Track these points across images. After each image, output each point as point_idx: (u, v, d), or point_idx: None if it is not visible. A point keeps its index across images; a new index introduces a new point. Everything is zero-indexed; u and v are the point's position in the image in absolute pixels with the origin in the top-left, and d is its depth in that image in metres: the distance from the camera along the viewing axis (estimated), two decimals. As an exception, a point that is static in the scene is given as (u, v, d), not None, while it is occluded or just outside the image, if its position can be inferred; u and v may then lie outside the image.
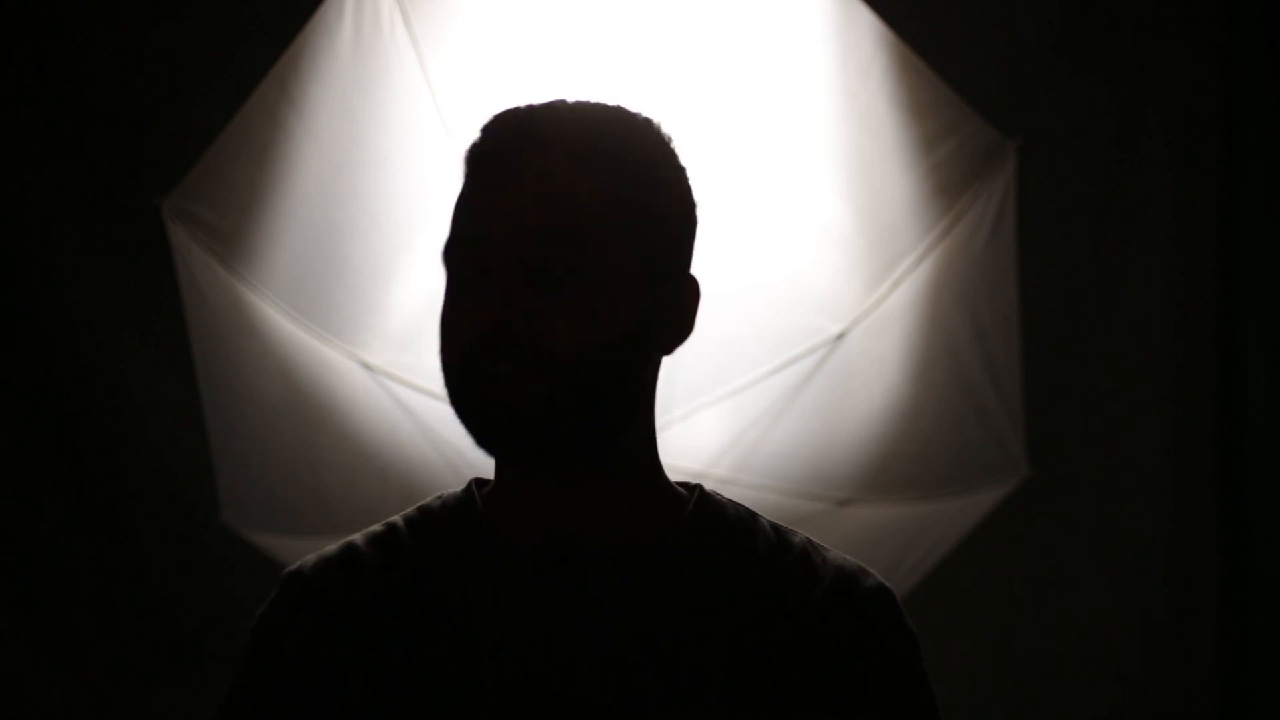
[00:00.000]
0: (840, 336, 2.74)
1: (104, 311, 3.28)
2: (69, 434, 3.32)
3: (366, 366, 2.74)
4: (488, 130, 1.32)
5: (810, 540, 1.36)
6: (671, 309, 1.32)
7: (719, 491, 1.39)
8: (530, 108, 1.32)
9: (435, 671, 1.25)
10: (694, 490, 1.37)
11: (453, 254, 1.29)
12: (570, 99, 1.34)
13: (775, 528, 1.36)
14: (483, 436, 1.27)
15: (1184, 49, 3.35)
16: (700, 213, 1.36)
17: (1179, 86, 3.35)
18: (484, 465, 1.38)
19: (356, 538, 1.34)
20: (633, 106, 1.34)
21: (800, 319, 2.73)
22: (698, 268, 1.36)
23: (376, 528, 1.35)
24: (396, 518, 1.36)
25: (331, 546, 1.34)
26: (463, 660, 1.25)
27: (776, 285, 2.71)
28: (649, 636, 1.26)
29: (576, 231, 1.26)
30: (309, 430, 2.81)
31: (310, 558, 1.34)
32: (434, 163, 2.63)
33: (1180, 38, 3.35)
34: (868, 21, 2.72)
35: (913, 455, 2.85)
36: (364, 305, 2.74)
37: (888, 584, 1.35)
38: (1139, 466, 3.41)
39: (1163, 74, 3.35)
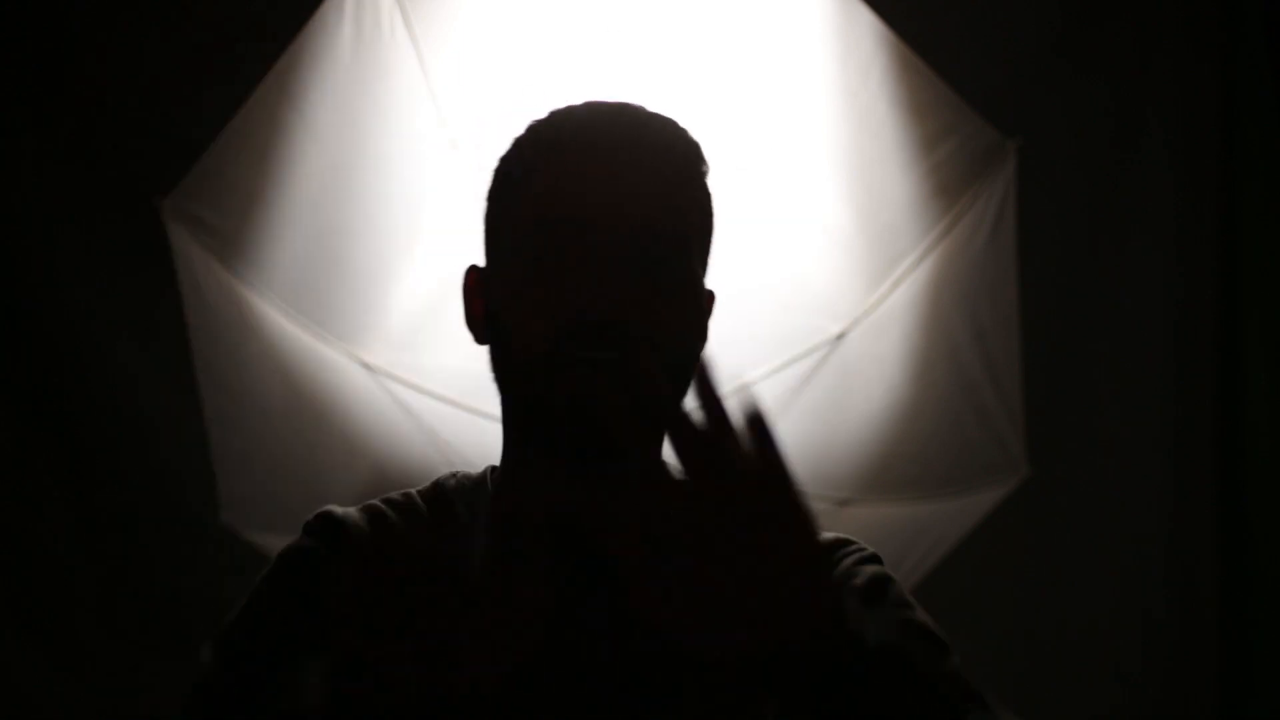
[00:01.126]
0: (840, 336, 2.74)
1: (104, 311, 3.28)
2: (69, 434, 3.32)
3: (366, 366, 2.74)
4: (568, 120, 1.32)
5: None
6: (706, 317, 1.35)
7: None
8: (605, 104, 1.33)
9: (438, 638, 1.25)
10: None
11: (539, 235, 1.27)
12: (627, 101, 1.34)
13: None
14: (577, 421, 1.24)
15: (1184, 49, 3.34)
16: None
17: (1179, 86, 3.35)
18: (482, 465, 1.38)
19: (377, 501, 1.35)
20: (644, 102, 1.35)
21: (800, 319, 2.73)
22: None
23: (395, 495, 1.36)
24: (413, 490, 1.37)
25: (352, 507, 1.35)
26: (456, 632, 1.25)
27: (777, 286, 2.71)
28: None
29: (679, 234, 1.27)
30: (309, 430, 2.81)
31: (334, 508, 1.33)
32: (434, 163, 2.63)
33: (1180, 38, 3.34)
34: (868, 21, 2.72)
35: (913, 455, 2.85)
36: (364, 305, 2.74)
37: (870, 548, 1.37)
38: (1139, 466, 3.41)
39: (1163, 74, 3.35)
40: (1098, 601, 3.40)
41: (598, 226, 1.25)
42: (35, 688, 3.24)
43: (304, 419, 2.81)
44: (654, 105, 1.36)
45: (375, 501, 1.35)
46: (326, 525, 1.32)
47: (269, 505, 2.85)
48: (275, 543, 2.86)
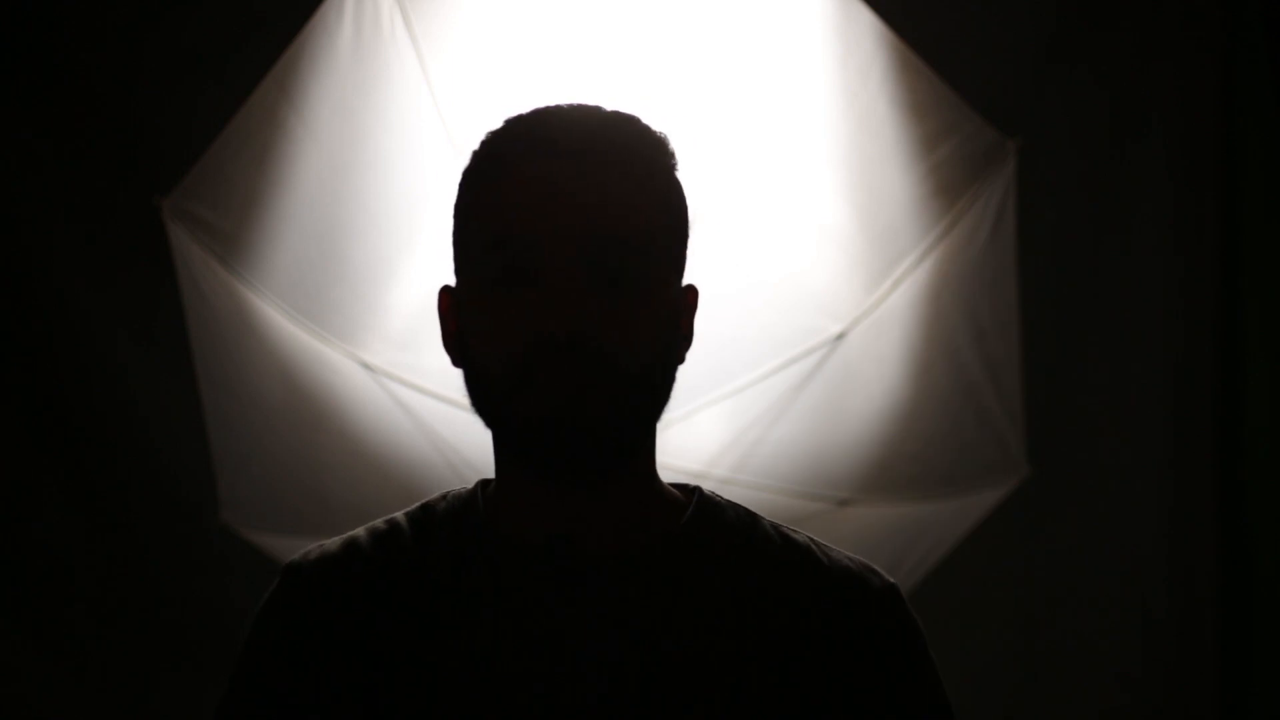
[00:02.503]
0: (840, 336, 2.74)
1: (103, 312, 3.28)
2: (69, 434, 3.32)
3: (366, 366, 2.74)
4: (523, 129, 1.29)
5: (814, 540, 1.35)
6: (685, 318, 1.33)
7: (719, 493, 1.39)
8: (560, 109, 1.30)
9: (430, 668, 1.25)
10: (693, 493, 1.36)
11: (495, 254, 1.25)
12: (585, 103, 1.32)
13: (777, 529, 1.35)
14: (544, 444, 1.24)
15: (1184, 49, 3.34)
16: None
17: (1179, 86, 3.35)
18: (484, 465, 1.38)
19: (359, 532, 1.34)
20: (634, 109, 1.34)
21: (800, 319, 2.73)
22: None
23: (379, 523, 1.35)
24: (399, 514, 1.36)
25: (334, 540, 1.34)
26: (458, 659, 1.25)
27: (776, 285, 2.71)
28: (647, 643, 1.25)
29: (641, 239, 1.26)
30: (309, 430, 2.81)
31: (312, 550, 1.34)
32: (434, 163, 2.63)
33: (1180, 38, 3.34)
34: (868, 21, 2.72)
35: (913, 455, 2.85)
36: (364, 305, 2.74)
37: (893, 581, 1.34)
38: (1139, 466, 3.41)
39: (1163, 74, 3.35)
40: (1098, 601, 3.40)
41: (552, 241, 1.23)
42: (35, 688, 3.24)
43: (304, 419, 2.80)
44: (655, 106, 1.35)
45: (358, 532, 1.34)
46: (292, 580, 1.32)
47: (268, 505, 2.85)
48: (274, 542, 2.88)
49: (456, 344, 1.31)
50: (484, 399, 1.28)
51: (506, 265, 1.25)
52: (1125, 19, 3.35)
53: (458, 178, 1.35)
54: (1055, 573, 3.42)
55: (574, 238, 1.23)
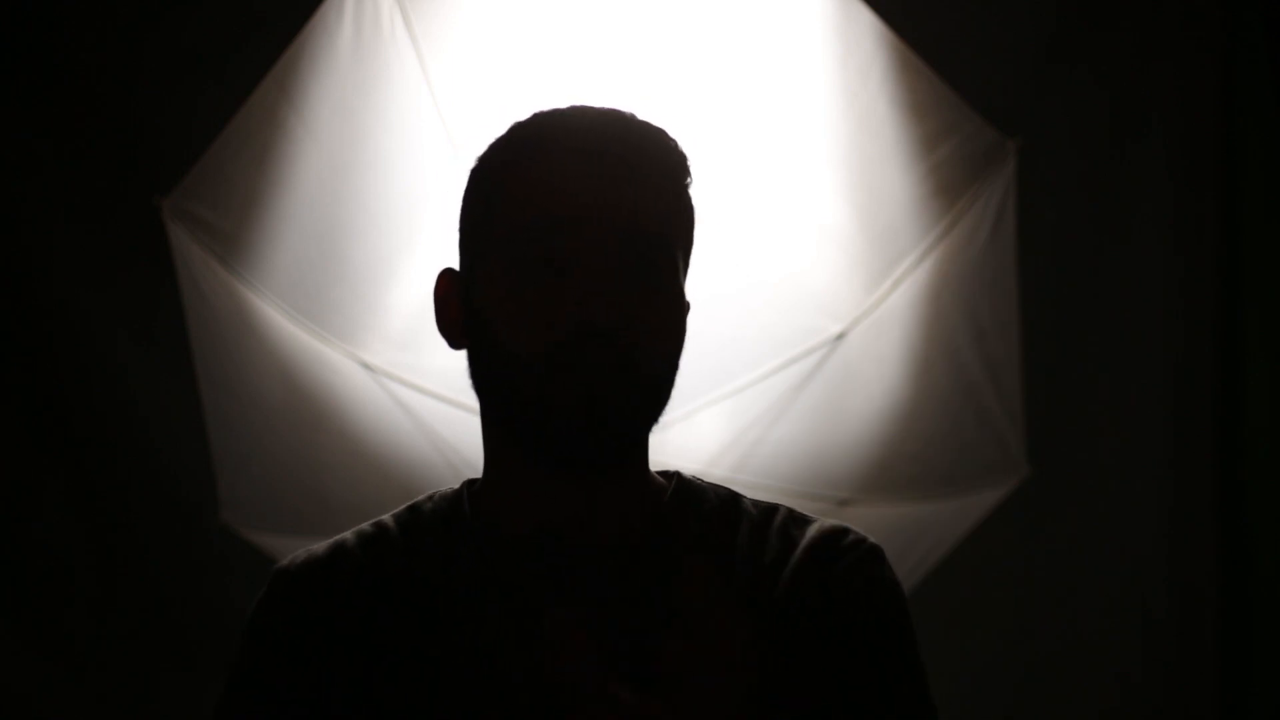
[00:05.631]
0: (840, 336, 2.74)
1: (103, 312, 3.28)
2: (69, 434, 3.32)
3: (366, 366, 2.74)
4: (562, 120, 1.31)
5: (792, 512, 1.37)
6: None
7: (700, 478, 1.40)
8: (595, 109, 1.32)
9: (422, 665, 1.26)
10: (672, 478, 1.37)
11: (535, 238, 1.26)
12: (615, 107, 1.34)
13: (757, 505, 1.37)
14: (572, 430, 1.25)
15: (1184, 49, 3.35)
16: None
17: (1179, 86, 3.35)
18: (482, 465, 1.38)
19: (347, 535, 1.35)
20: (633, 109, 1.35)
21: (800, 319, 2.73)
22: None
23: (366, 526, 1.36)
24: (387, 516, 1.37)
25: (321, 545, 1.35)
26: (449, 654, 1.26)
27: (776, 285, 2.71)
28: (635, 628, 1.26)
29: (670, 242, 1.28)
30: (309, 430, 2.81)
31: (300, 554, 1.34)
32: (434, 163, 2.63)
33: (1180, 38, 3.35)
34: (868, 21, 2.72)
35: (913, 455, 2.85)
36: (364, 305, 2.74)
37: (871, 539, 1.35)
38: (1139, 466, 3.41)
39: (1163, 74, 3.35)
40: (1098, 601, 3.40)
41: (591, 227, 1.24)
42: (35, 688, 3.24)
43: (304, 419, 2.81)
44: (655, 105, 1.36)
45: (345, 536, 1.35)
46: (280, 586, 1.33)
47: (268, 505, 2.85)
48: (274, 542, 2.88)
49: (462, 326, 1.32)
50: (508, 382, 1.27)
51: (542, 247, 1.25)
52: (1125, 19, 3.35)
53: (458, 178, 1.36)
54: (1055, 573, 3.42)
55: (611, 227, 1.25)
